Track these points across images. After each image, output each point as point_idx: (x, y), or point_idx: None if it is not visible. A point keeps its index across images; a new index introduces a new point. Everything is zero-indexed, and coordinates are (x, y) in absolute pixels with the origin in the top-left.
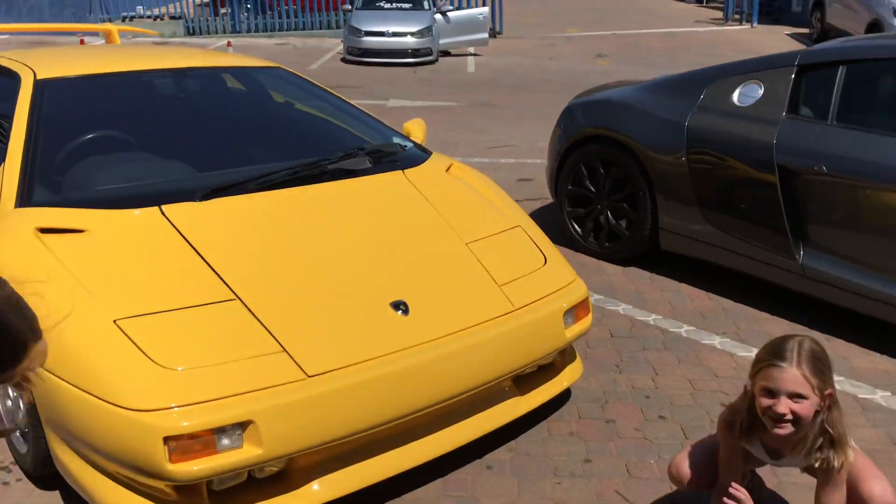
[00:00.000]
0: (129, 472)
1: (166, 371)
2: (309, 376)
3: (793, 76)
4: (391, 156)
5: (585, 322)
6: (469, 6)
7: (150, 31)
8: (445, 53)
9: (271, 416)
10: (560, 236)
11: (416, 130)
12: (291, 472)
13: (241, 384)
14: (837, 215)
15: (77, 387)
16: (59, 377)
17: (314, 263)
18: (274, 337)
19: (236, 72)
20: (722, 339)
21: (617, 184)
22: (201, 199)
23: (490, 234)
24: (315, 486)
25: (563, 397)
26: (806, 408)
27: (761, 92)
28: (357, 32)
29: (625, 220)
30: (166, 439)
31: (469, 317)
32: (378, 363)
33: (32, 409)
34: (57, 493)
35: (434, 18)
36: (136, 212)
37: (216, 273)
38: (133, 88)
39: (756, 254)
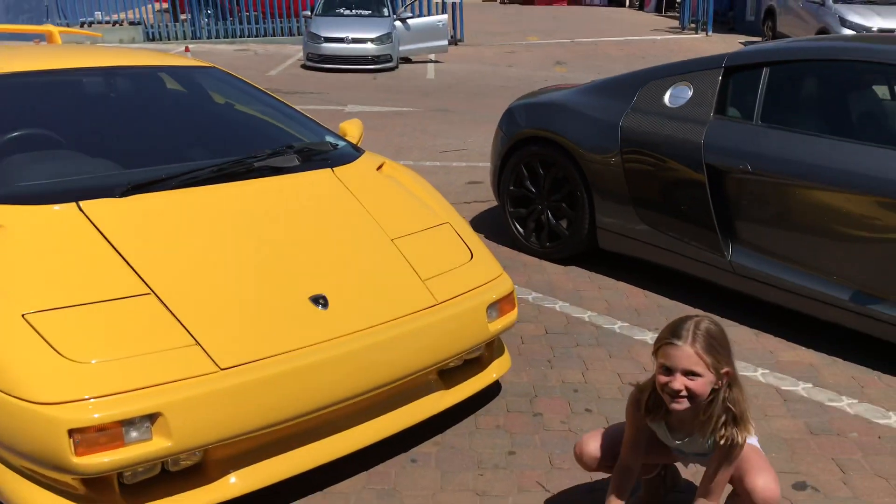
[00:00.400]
0: (37, 466)
1: (73, 364)
2: (221, 369)
3: (720, 77)
4: (321, 154)
5: (510, 316)
6: (430, 14)
7: (94, 34)
8: (406, 60)
9: (181, 409)
10: (503, 237)
11: (353, 130)
12: (207, 465)
13: (151, 377)
14: (764, 213)
15: None
16: None
17: (234, 259)
18: (187, 330)
19: (171, 70)
20: (654, 335)
21: (556, 184)
22: (121, 196)
23: (417, 231)
24: (232, 478)
25: (493, 391)
26: (700, 385)
27: (690, 93)
28: (317, 39)
29: (565, 220)
30: (71, 432)
31: (390, 311)
32: (294, 356)
33: None
34: None
35: (394, 25)
36: (54, 207)
37: (132, 268)
38: (64, 87)
39: (688, 251)
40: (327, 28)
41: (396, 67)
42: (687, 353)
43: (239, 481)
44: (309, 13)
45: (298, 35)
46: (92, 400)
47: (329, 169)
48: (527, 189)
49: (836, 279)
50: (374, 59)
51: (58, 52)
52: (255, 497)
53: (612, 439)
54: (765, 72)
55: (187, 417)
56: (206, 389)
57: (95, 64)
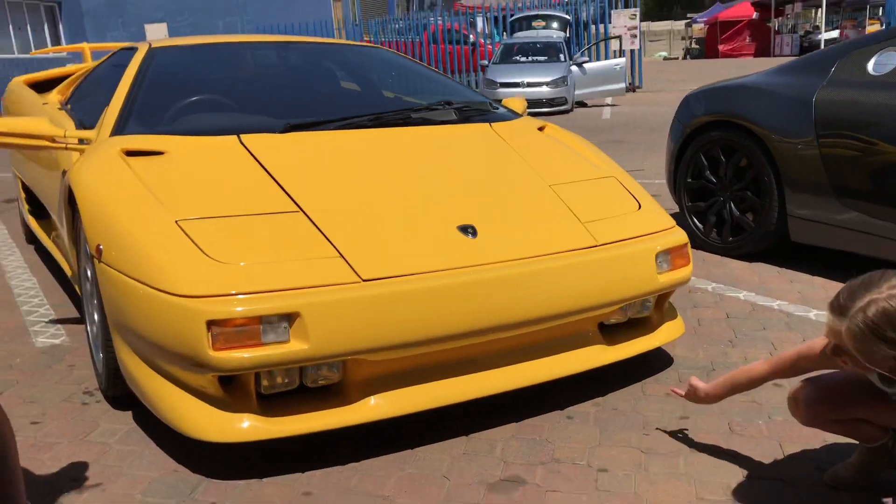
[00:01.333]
0: (178, 366)
1: (217, 263)
2: (363, 280)
3: None
4: (480, 111)
5: (684, 271)
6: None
7: (121, 45)
8: (582, 105)
9: (319, 312)
10: None
11: (515, 104)
12: (347, 386)
13: (292, 280)
14: None
15: (135, 279)
16: (122, 272)
17: (384, 189)
18: (332, 244)
19: (340, 48)
20: None
21: (739, 173)
22: (280, 132)
23: (578, 180)
24: (372, 401)
25: (663, 363)
26: None
27: None
28: (493, 84)
29: (750, 214)
30: (209, 324)
31: (544, 246)
32: (439, 275)
33: (103, 320)
34: (129, 413)
35: (570, 69)
36: (215, 138)
37: (284, 190)
38: (237, 55)
39: None
40: (503, 74)
41: (571, 110)
42: None
43: (378, 405)
44: (487, 62)
45: (477, 88)
46: (231, 295)
47: (487, 123)
48: (706, 180)
49: None
50: (549, 102)
51: (240, 35)
52: (396, 437)
53: (833, 385)
54: None
55: (325, 322)
56: (347, 296)
57: (269, 40)
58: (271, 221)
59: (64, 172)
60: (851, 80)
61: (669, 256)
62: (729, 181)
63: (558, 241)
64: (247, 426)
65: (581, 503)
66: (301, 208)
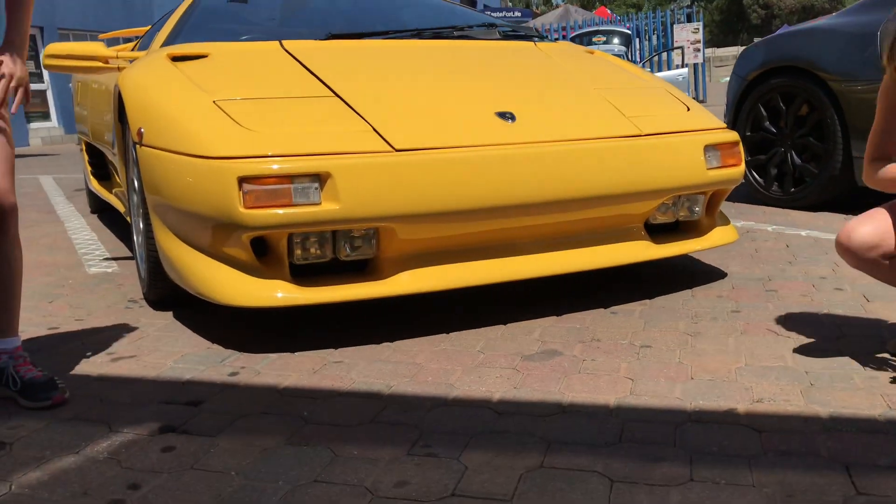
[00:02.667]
0: (211, 232)
1: (250, 132)
2: (396, 150)
3: None
4: (525, 33)
5: (735, 170)
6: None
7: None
8: None
9: (350, 174)
10: (737, 193)
11: None
12: (380, 262)
13: (324, 146)
14: None
15: (172, 151)
16: (160, 147)
17: (422, 82)
18: (365, 120)
19: None
20: None
21: (800, 121)
22: (322, 39)
23: (624, 87)
24: (404, 276)
25: (716, 275)
26: None
27: None
28: None
29: (812, 163)
30: (240, 181)
31: (586, 131)
32: (474, 149)
33: (147, 227)
34: (170, 313)
35: None
36: (257, 43)
37: (322, 81)
38: None
39: None
40: None
41: None
42: None
43: (411, 280)
44: None
45: None
46: (264, 157)
47: (531, 42)
48: (766, 131)
49: None
50: None
51: None
52: (432, 322)
53: (884, 220)
54: None
55: (356, 185)
56: (378, 161)
57: None
58: (307, 103)
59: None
60: None
61: (719, 153)
62: (790, 129)
63: (601, 128)
64: (279, 294)
65: (620, 368)
66: (336, 94)
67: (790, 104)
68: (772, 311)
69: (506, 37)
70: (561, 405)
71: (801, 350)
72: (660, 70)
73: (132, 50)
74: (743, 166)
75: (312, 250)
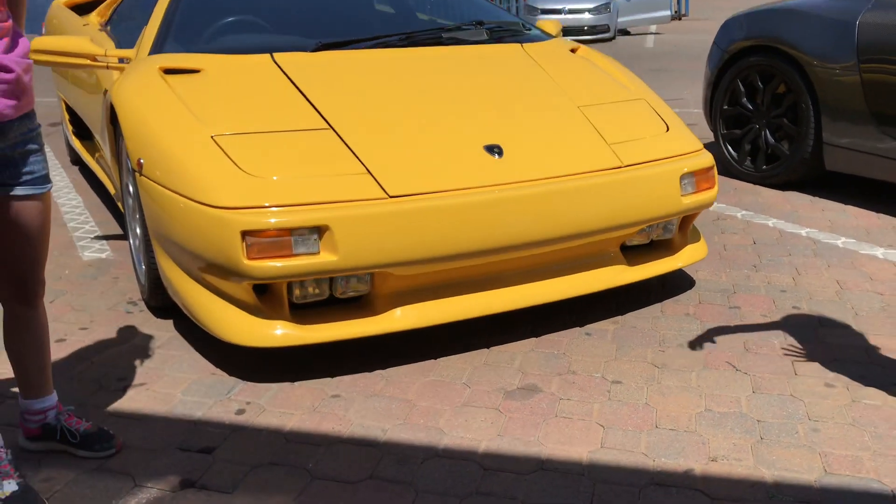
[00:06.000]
0: (215, 274)
1: (250, 177)
2: (390, 196)
3: None
4: (511, 31)
5: (708, 194)
6: None
7: None
8: (625, 33)
9: (348, 225)
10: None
11: (549, 26)
12: (374, 298)
13: (321, 195)
14: None
15: (173, 191)
16: (162, 185)
17: (412, 108)
18: (361, 161)
19: None
20: (887, 251)
21: (776, 100)
22: (312, 51)
23: (606, 102)
24: (398, 312)
25: (684, 285)
26: None
27: None
28: (533, 11)
29: (785, 143)
30: (244, 234)
31: (570, 166)
32: (464, 193)
33: (145, 234)
34: (170, 322)
35: None
36: (249, 56)
37: (314, 108)
38: None
39: None
40: (545, 0)
41: (614, 38)
42: None
43: (404, 316)
44: None
45: (518, 14)
46: (264, 208)
47: (518, 44)
48: (743, 107)
49: None
50: (591, 29)
51: None
52: (421, 349)
53: None
54: None
55: (353, 235)
56: (374, 211)
57: None
58: (302, 138)
59: (105, 92)
60: None
61: (694, 179)
62: (766, 108)
63: (584, 161)
64: (280, 332)
65: (592, 411)
66: (331, 125)
67: (768, 82)
68: (733, 337)
69: (493, 36)
70: (540, 460)
71: (757, 389)
72: None
73: (109, 9)
74: (716, 189)
75: (311, 289)
